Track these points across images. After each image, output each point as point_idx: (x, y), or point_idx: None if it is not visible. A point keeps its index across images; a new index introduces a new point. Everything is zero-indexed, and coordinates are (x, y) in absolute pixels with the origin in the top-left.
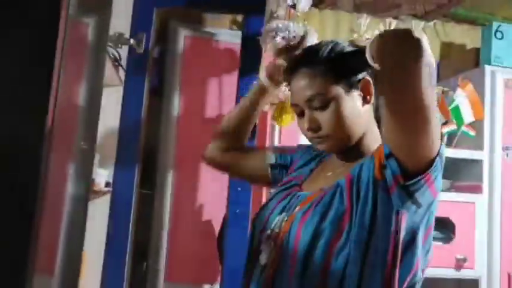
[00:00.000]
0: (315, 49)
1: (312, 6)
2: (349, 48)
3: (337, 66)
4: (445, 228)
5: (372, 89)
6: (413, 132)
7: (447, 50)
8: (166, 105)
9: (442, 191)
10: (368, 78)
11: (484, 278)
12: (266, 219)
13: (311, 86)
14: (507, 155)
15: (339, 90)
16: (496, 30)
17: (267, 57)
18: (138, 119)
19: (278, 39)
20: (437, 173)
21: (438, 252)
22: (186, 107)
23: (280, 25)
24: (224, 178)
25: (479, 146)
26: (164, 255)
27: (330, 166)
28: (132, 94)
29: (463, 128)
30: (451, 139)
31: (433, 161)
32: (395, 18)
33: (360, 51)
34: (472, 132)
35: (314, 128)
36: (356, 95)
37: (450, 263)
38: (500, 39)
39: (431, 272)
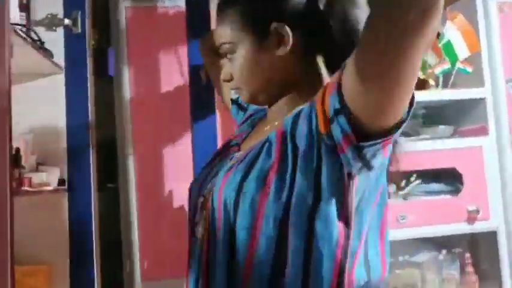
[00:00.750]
0: None
1: None
2: None
3: (246, 11)
4: (451, 179)
5: (289, 39)
6: (389, 94)
7: None
8: (116, 85)
9: (445, 138)
10: (286, 26)
11: (502, 228)
12: (199, 186)
13: (220, 33)
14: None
15: (248, 38)
16: None
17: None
18: (85, 106)
19: None
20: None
21: (447, 207)
22: (137, 84)
23: None
24: (188, 159)
25: (479, 83)
26: (138, 253)
27: (268, 120)
28: (75, 80)
29: (459, 65)
30: (446, 79)
31: (398, 124)
32: None
33: None
34: (469, 69)
35: (226, 79)
36: (270, 43)
37: (462, 217)
38: None
39: (442, 230)
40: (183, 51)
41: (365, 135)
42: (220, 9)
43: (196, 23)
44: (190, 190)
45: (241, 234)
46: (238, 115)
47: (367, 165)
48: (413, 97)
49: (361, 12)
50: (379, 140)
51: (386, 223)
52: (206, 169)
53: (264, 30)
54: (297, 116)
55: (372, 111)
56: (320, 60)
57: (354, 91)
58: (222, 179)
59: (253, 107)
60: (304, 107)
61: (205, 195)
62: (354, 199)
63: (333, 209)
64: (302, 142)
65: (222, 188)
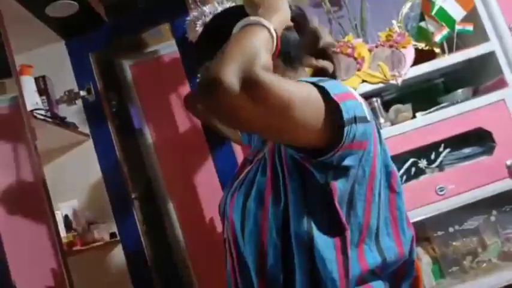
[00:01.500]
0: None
1: None
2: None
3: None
4: (481, 140)
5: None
6: (281, 136)
7: None
8: (139, 138)
9: (464, 101)
10: None
11: None
12: (223, 203)
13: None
14: None
15: None
16: None
17: None
18: (115, 162)
19: (198, 28)
20: (354, 133)
21: (485, 168)
22: (157, 131)
23: (195, 13)
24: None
25: (484, 38)
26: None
27: None
28: (101, 142)
29: (458, 27)
30: (450, 44)
31: (341, 133)
32: None
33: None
34: (469, 27)
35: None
36: None
37: (502, 174)
38: None
39: (485, 191)
40: (186, 89)
41: (318, 153)
42: (204, 50)
43: (191, 61)
44: (219, 206)
45: (249, 249)
46: (249, 139)
47: (338, 169)
48: (342, 116)
49: None
50: (332, 152)
51: (395, 209)
52: (227, 188)
53: None
54: None
55: (291, 146)
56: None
57: None
58: (230, 200)
59: None
60: None
61: (225, 215)
62: (342, 199)
63: (322, 213)
64: (287, 158)
65: (231, 212)
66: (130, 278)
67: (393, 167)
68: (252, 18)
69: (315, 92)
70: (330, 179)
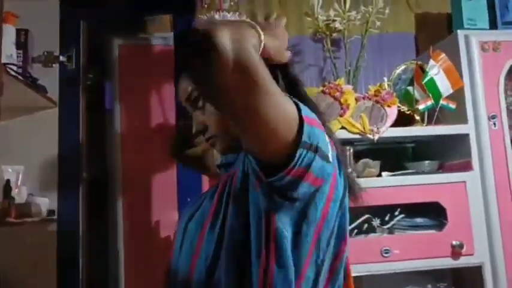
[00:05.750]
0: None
1: None
2: None
3: None
4: (435, 214)
5: None
6: (248, 133)
7: (422, 22)
8: (108, 120)
9: (429, 173)
10: None
11: (487, 263)
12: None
13: (186, 83)
14: (494, 124)
15: None
16: None
17: None
18: (77, 140)
19: None
20: (309, 162)
21: (431, 242)
22: (127, 117)
23: (216, 16)
24: (173, 192)
25: (462, 119)
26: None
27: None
28: (68, 114)
29: (442, 102)
30: (430, 115)
31: (294, 154)
32: None
33: None
34: (452, 105)
35: (200, 129)
36: None
37: (446, 252)
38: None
39: (426, 264)
40: (172, 87)
41: (272, 172)
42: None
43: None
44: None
45: (182, 269)
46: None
47: (287, 198)
48: (301, 133)
49: None
50: (282, 173)
51: (339, 260)
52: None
53: None
54: (243, 157)
55: (250, 150)
56: None
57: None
58: (183, 222)
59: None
60: None
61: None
62: (279, 232)
63: (260, 244)
64: (237, 182)
65: (177, 234)
66: (57, 261)
67: (346, 236)
68: (249, 20)
69: (290, 100)
70: (272, 205)
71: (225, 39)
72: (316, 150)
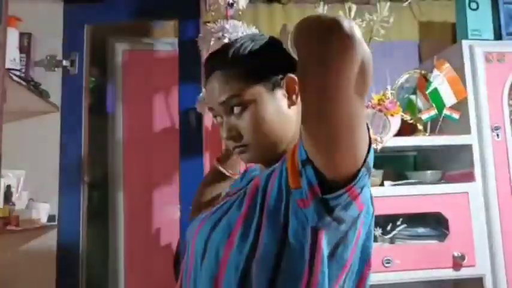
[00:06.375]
0: (227, 47)
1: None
2: (267, 43)
3: (252, 64)
4: (437, 224)
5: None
6: (332, 141)
7: (426, 30)
8: (110, 125)
9: (432, 183)
10: (292, 75)
11: (488, 275)
12: (191, 228)
13: (224, 87)
14: (497, 135)
15: (257, 90)
16: (470, 1)
17: None
18: (78, 145)
19: (212, 41)
20: (363, 184)
21: (432, 253)
22: (130, 122)
23: (227, 26)
24: (175, 198)
25: (465, 130)
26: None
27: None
28: (70, 119)
29: (446, 112)
30: (434, 125)
31: (357, 172)
32: (366, 3)
33: (281, 46)
34: (455, 115)
35: (234, 137)
36: (280, 95)
37: (447, 263)
38: (475, 10)
39: (427, 275)
40: (175, 93)
41: (329, 188)
42: (221, 60)
43: (188, 66)
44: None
45: (205, 281)
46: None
47: (336, 219)
48: (370, 145)
49: None
50: (342, 190)
51: (363, 285)
52: (196, 214)
53: (276, 81)
54: (272, 172)
55: (323, 159)
56: None
57: (306, 140)
58: (197, 227)
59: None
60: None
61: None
62: (320, 254)
63: (296, 264)
64: (271, 198)
65: (195, 237)
66: (56, 267)
67: (370, 260)
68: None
69: None
70: (321, 225)
71: (359, 35)
72: (369, 172)
